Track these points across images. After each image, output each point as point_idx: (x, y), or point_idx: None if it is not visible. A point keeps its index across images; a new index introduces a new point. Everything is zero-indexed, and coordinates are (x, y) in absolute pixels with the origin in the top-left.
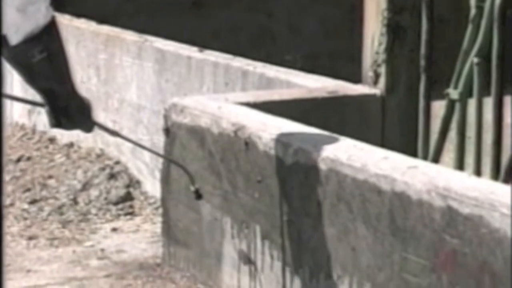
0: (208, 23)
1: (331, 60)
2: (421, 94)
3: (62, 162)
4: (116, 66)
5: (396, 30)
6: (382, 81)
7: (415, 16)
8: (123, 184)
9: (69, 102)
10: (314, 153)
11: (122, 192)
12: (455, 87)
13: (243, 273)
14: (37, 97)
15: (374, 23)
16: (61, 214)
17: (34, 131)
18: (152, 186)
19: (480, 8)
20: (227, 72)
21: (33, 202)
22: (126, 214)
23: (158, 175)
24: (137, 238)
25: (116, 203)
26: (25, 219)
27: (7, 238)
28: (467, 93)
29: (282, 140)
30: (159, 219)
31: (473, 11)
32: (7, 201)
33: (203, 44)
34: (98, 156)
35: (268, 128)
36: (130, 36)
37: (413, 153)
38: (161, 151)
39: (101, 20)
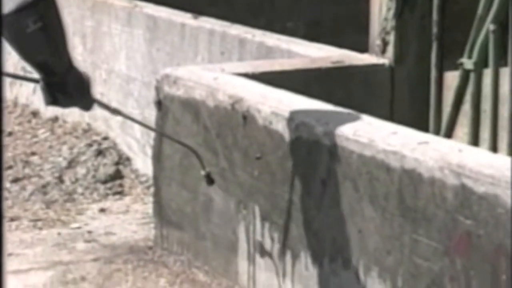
0: None
1: (335, 27)
2: (432, 64)
3: (46, 137)
4: (103, 34)
5: None
6: (390, 50)
7: None
8: (111, 161)
9: (66, 77)
10: (317, 127)
11: (110, 170)
12: (469, 57)
13: (241, 257)
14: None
15: None
16: (45, 193)
17: (15, 104)
18: (143, 163)
19: None
20: (224, 41)
21: (15, 180)
22: (115, 194)
23: (149, 151)
24: (127, 220)
25: (104, 182)
26: (6, 199)
27: None
28: (482, 63)
29: (283, 114)
30: (150, 199)
31: None
32: None
33: (197, 10)
34: (85, 131)
35: (268, 101)
36: (119, 1)
37: (424, 128)
38: (152, 126)
39: None
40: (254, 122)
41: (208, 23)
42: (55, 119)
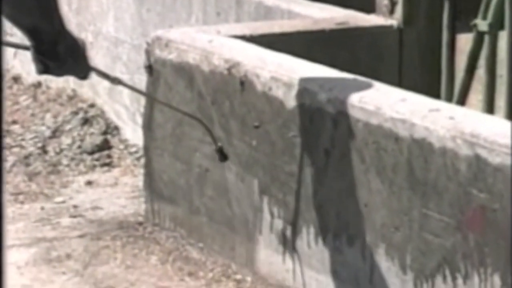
0: None
1: None
2: (444, 25)
3: (28, 105)
4: None
5: None
6: (399, 10)
7: None
8: (99, 130)
9: (58, 43)
10: (320, 94)
11: (97, 139)
12: (484, 18)
13: (238, 234)
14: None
15: None
16: (28, 165)
17: None
18: (133, 133)
19: None
20: (220, 0)
21: None
22: (102, 165)
23: (139, 120)
24: (116, 193)
25: (91, 153)
26: None
27: None
28: (497, 24)
29: (283, 79)
30: (141, 170)
31: None
32: None
33: None
34: (70, 98)
35: (267, 65)
36: None
37: (435, 94)
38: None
39: None
40: (252, 88)
41: None
42: (37, 84)
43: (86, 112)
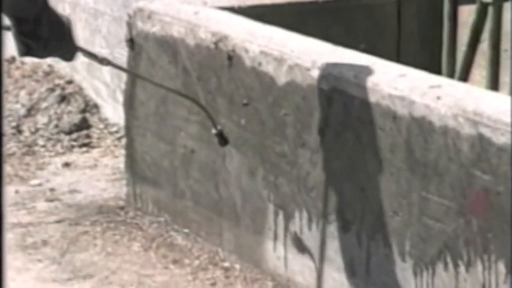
0: None
1: None
2: None
3: None
4: None
5: None
6: None
7: None
8: (77, 108)
9: (40, 21)
10: (313, 69)
11: (76, 118)
12: None
13: (226, 218)
14: None
15: None
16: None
17: None
18: (113, 111)
19: None
20: None
21: None
22: (81, 146)
23: (120, 97)
24: (95, 175)
25: (68, 132)
26: None
27: None
28: None
29: (274, 54)
30: (122, 151)
31: None
32: None
33: None
34: (46, 74)
35: (257, 39)
36: None
37: (436, 70)
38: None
39: None
40: (240, 63)
41: None
42: (11, 60)
43: (63, 89)
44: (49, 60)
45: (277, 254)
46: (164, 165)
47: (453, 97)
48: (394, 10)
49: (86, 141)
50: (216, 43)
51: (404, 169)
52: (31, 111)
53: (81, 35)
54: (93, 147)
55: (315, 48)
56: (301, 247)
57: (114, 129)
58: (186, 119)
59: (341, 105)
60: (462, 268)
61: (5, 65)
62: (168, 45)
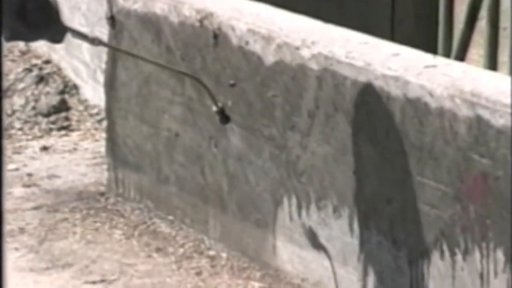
0: None
1: None
2: None
3: None
4: None
5: None
6: None
7: None
8: (55, 89)
9: (26, 2)
10: (303, 49)
11: (54, 100)
12: None
13: (212, 205)
14: None
15: None
16: None
17: None
18: (94, 92)
19: None
20: None
21: None
22: (60, 129)
23: (101, 78)
24: (75, 160)
25: (46, 115)
26: None
27: None
28: None
29: (262, 32)
30: (102, 134)
31: None
32: None
33: None
34: (23, 53)
35: (244, 16)
36: None
37: (431, 49)
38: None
39: None
40: (227, 42)
41: None
42: None
43: (41, 69)
44: None
45: (265, 242)
46: (147, 149)
47: (450, 77)
48: None
49: (65, 123)
50: (201, 21)
51: (399, 153)
52: (7, 92)
53: None
54: (72, 130)
55: (305, 26)
56: (291, 235)
57: (95, 111)
58: (170, 100)
59: (332, 86)
60: (459, 257)
61: None
62: (151, 23)
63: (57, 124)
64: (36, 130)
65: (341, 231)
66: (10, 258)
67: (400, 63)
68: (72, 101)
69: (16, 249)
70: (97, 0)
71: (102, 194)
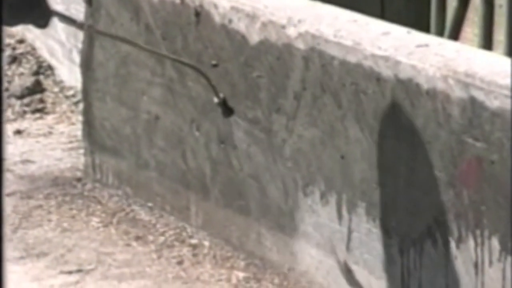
0: None
1: None
2: None
3: None
4: None
5: None
6: None
7: None
8: (29, 70)
9: None
10: (289, 27)
11: (28, 81)
12: None
13: (193, 191)
14: None
15: None
16: None
17: None
18: (69, 73)
19: None
20: None
21: None
22: (34, 111)
23: (77, 58)
24: (50, 144)
25: (20, 97)
26: None
27: None
28: None
29: (246, 10)
30: (79, 117)
31: None
32: None
33: None
34: None
35: None
36: None
37: (423, 27)
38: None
39: None
40: (209, 20)
41: None
42: None
43: (14, 49)
44: None
45: (249, 229)
46: (125, 132)
47: (443, 57)
48: None
49: (40, 106)
50: None
51: (389, 137)
52: None
53: None
54: (47, 113)
55: (291, 4)
56: (276, 222)
57: (71, 93)
58: (149, 81)
59: (319, 66)
60: (452, 245)
61: None
62: (129, 1)
63: (31, 107)
64: (9, 113)
65: (329, 218)
66: None
67: (391, 42)
68: (47, 83)
69: None
70: None
71: (78, 180)
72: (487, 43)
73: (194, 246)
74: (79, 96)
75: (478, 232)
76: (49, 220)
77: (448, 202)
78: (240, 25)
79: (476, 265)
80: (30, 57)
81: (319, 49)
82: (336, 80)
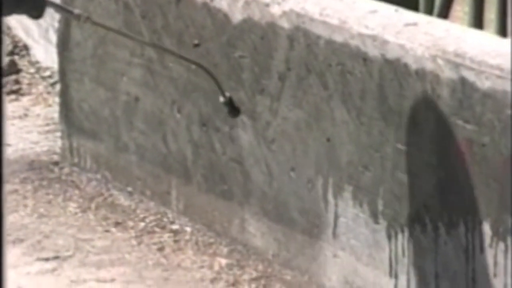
0: None
1: None
2: None
3: None
4: None
5: None
6: None
7: None
8: (4, 50)
9: None
10: (273, 5)
11: (3, 61)
12: None
13: (175, 175)
14: None
15: None
16: None
17: None
18: (46, 53)
19: None
20: None
21: None
22: (9, 93)
23: (53, 37)
24: (26, 127)
25: None
26: None
27: None
28: None
29: None
30: (56, 99)
31: None
32: None
33: None
34: None
35: None
36: None
37: (411, 5)
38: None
39: None
40: None
41: None
42: None
43: None
44: None
45: (231, 214)
46: (104, 114)
47: (432, 36)
48: None
49: (15, 87)
50: None
51: (376, 118)
52: None
53: None
54: (23, 95)
55: None
56: (260, 207)
57: (47, 73)
58: (128, 62)
59: (304, 46)
60: (442, 230)
61: None
62: None
63: (6, 88)
64: None
65: (314, 203)
66: None
67: (378, 20)
68: (22, 63)
69: None
70: None
71: (55, 163)
72: (477, 22)
73: (175, 232)
74: (56, 77)
75: (468, 217)
76: (25, 206)
77: (437, 186)
78: (222, 3)
79: (466, 251)
80: (4, 37)
81: (304, 28)
82: (322, 60)
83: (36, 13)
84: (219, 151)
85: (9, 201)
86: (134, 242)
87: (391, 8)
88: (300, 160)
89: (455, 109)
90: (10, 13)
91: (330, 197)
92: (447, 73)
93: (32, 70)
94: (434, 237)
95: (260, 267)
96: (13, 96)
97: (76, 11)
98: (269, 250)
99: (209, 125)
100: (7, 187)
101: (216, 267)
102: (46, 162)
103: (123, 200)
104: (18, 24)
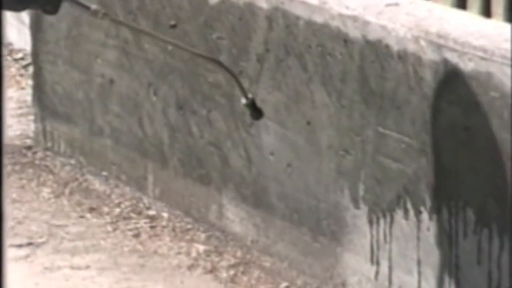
0: None
1: None
2: None
3: None
4: None
5: None
6: None
7: None
8: None
9: None
10: None
11: None
12: None
13: (151, 159)
14: None
15: None
16: None
17: None
18: (18, 35)
19: None
20: None
21: None
22: None
23: (26, 18)
24: None
25: None
26: None
27: None
28: None
29: None
30: (29, 82)
31: None
32: None
33: None
34: None
35: None
36: None
37: None
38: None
39: None
40: None
41: None
42: None
43: None
44: None
45: (210, 200)
46: (78, 97)
47: (414, 16)
48: None
49: None
50: None
51: (357, 101)
52: None
53: None
54: None
55: None
56: (239, 192)
57: (19, 55)
58: (103, 43)
59: (283, 26)
60: (425, 216)
61: None
62: None
63: None
64: None
65: (294, 188)
66: None
67: (359, 1)
68: None
69: None
70: None
71: (28, 148)
72: (461, 2)
73: (151, 218)
74: (29, 59)
75: (452, 202)
76: None
77: (419, 170)
78: None
79: (450, 237)
80: None
81: (283, 8)
82: (301, 42)
83: (51, 8)
84: (196, 135)
85: None
86: (109, 228)
87: None
88: (279, 144)
89: (438, 91)
90: (24, 8)
91: (311, 181)
92: (430, 55)
93: (4, 52)
94: (416, 222)
95: (239, 253)
96: None
97: (93, 7)
98: (247, 236)
99: (186, 108)
100: None
101: (194, 254)
102: (19, 147)
103: (98, 185)
104: None
